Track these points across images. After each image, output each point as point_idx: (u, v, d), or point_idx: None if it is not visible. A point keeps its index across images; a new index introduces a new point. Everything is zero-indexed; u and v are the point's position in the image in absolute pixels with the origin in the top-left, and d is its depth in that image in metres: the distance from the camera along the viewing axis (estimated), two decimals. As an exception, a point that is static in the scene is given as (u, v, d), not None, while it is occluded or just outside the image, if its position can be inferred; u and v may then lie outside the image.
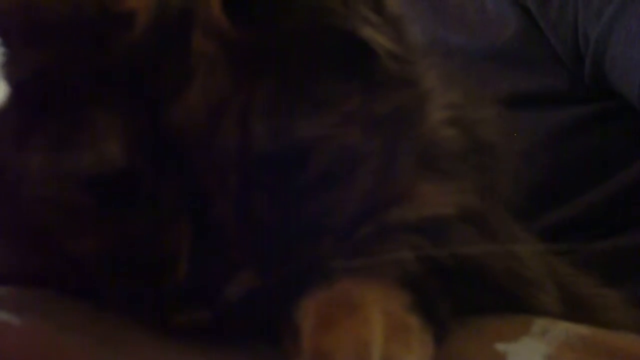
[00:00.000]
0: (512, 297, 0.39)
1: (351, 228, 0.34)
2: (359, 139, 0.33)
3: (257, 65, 0.31)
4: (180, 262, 0.31)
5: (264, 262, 0.31)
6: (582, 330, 0.39)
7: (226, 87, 0.31)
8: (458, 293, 0.36)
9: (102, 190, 0.32)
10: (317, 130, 0.32)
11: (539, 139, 0.62)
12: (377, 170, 0.34)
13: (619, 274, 0.51)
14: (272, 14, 0.32)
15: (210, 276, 0.31)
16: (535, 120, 0.62)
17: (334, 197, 0.33)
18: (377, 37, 0.34)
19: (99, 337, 0.31)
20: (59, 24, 0.32)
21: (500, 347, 0.36)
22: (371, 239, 0.35)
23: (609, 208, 0.60)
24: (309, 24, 0.33)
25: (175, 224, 0.31)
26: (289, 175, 0.32)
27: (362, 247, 0.34)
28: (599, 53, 0.57)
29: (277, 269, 0.32)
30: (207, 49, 0.31)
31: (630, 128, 0.60)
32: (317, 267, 0.33)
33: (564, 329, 0.39)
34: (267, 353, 0.32)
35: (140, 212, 0.32)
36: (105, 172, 0.31)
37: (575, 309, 0.42)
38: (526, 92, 0.62)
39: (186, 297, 0.31)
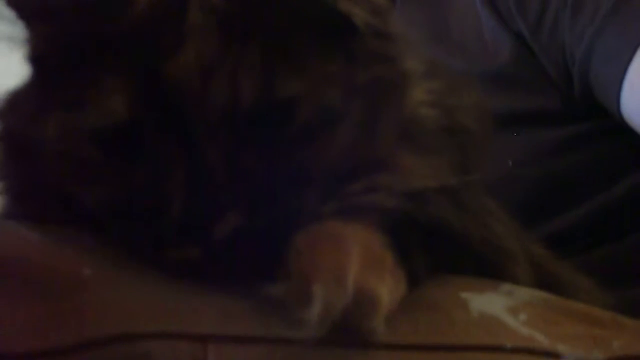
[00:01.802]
0: (486, 264, 0.42)
1: (335, 183, 0.38)
2: (339, 98, 0.37)
3: (245, 32, 0.36)
4: (175, 204, 0.35)
5: (250, 205, 0.35)
6: (545, 294, 0.42)
7: (217, 49, 0.36)
8: (434, 252, 0.40)
9: (108, 143, 0.37)
10: (299, 87, 0.36)
11: (533, 156, 0.66)
12: (358, 128, 0.38)
13: (610, 282, 0.53)
14: None
15: (201, 217, 0.35)
16: (530, 139, 0.66)
17: (314, 148, 0.37)
18: (358, 11, 0.38)
19: (102, 255, 0.36)
20: (71, 3, 0.38)
21: (464, 295, 0.39)
22: (356, 197, 0.38)
23: (598, 222, 0.63)
24: None
25: (171, 171, 0.36)
26: (274, 127, 0.36)
27: (346, 201, 0.38)
28: (584, 72, 0.61)
29: (263, 212, 0.36)
30: (199, 19, 0.36)
31: (621, 145, 0.63)
32: (302, 213, 0.36)
33: (528, 291, 0.42)
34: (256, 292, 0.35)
35: (141, 161, 0.37)
36: (110, 125, 0.36)
37: (546, 287, 0.44)
38: (521, 112, 0.67)
39: (179, 236, 0.35)
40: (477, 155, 0.45)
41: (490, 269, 0.43)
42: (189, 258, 0.35)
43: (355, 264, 0.34)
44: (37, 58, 0.41)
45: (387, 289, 0.34)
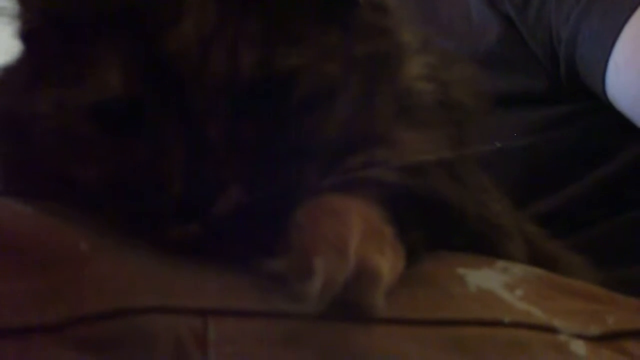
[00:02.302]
0: (483, 241, 0.43)
1: (334, 157, 0.38)
2: (337, 71, 0.37)
3: (243, 3, 0.36)
4: (175, 180, 0.35)
5: (251, 180, 0.35)
6: (540, 271, 0.43)
7: (216, 21, 0.35)
8: (431, 228, 0.40)
9: (105, 119, 0.36)
10: (298, 60, 0.36)
11: (520, 136, 0.67)
12: (356, 101, 0.38)
13: (598, 261, 0.54)
14: None
15: (201, 192, 0.34)
16: (517, 119, 0.67)
17: (314, 121, 0.37)
18: None
19: (99, 231, 0.35)
20: None
21: (460, 270, 0.39)
22: (354, 171, 0.38)
23: (588, 202, 0.64)
24: None
25: (169, 146, 0.35)
26: (274, 100, 0.36)
27: (345, 175, 0.37)
28: (570, 53, 0.62)
29: (264, 187, 0.35)
30: None
31: (606, 125, 0.64)
32: (303, 187, 0.36)
33: (524, 268, 0.42)
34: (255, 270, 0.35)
35: (139, 137, 0.36)
36: (107, 100, 0.35)
37: (539, 265, 0.45)
38: (508, 93, 0.67)
39: (179, 213, 0.35)
40: (472, 131, 0.45)
41: (485, 245, 0.43)
42: (189, 234, 0.34)
43: (357, 237, 0.34)
44: (29, 33, 0.39)
45: (388, 263, 0.34)
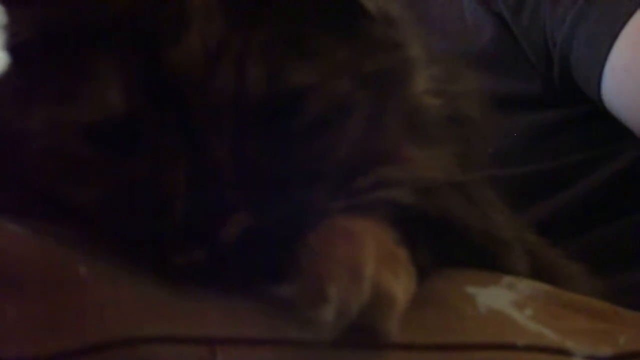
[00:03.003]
0: (486, 255, 0.42)
1: (344, 178, 0.36)
2: (348, 89, 0.36)
3: (252, 14, 0.34)
4: (177, 203, 0.33)
5: (258, 203, 0.33)
6: (545, 287, 0.42)
7: (223, 32, 0.33)
8: (437, 246, 0.38)
9: (103, 138, 0.34)
10: (308, 77, 0.34)
11: (513, 140, 0.66)
12: (366, 120, 0.37)
13: (596, 268, 0.53)
14: None
15: (206, 217, 0.32)
16: (509, 122, 0.66)
17: (325, 142, 0.35)
18: None
19: (98, 254, 0.33)
20: None
21: (470, 289, 0.38)
22: (365, 192, 0.36)
23: (583, 206, 0.64)
24: None
25: (172, 167, 0.33)
26: (283, 119, 0.34)
27: (356, 197, 0.36)
28: (564, 56, 0.61)
29: (272, 211, 0.33)
30: (204, 3, 0.33)
31: (601, 130, 0.64)
32: (312, 211, 0.35)
33: (529, 284, 0.42)
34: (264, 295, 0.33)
35: (139, 157, 0.34)
36: (106, 119, 0.33)
37: (540, 275, 0.44)
38: (501, 95, 0.66)
39: (183, 238, 0.33)
40: (480, 144, 0.44)
41: (487, 258, 0.42)
42: (193, 261, 0.33)
43: (371, 261, 0.32)
44: (18, 46, 0.37)
45: (402, 287, 0.33)
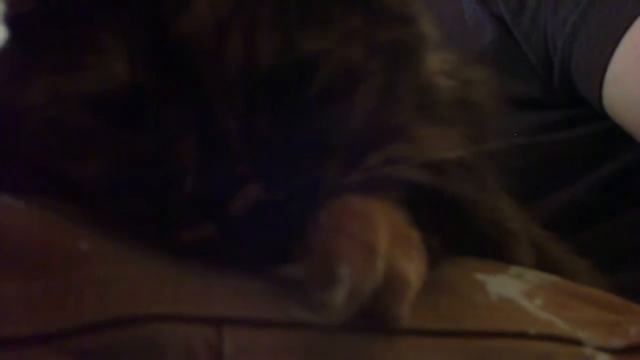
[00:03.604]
0: (492, 245, 0.41)
1: (356, 152, 0.35)
2: (360, 57, 0.35)
3: None
4: (187, 177, 0.32)
5: (269, 176, 0.32)
6: (553, 278, 0.41)
7: (232, 1, 0.32)
8: (447, 231, 0.37)
9: (108, 110, 0.33)
10: (320, 44, 0.33)
11: (511, 142, 0.66)
12: (379, 91, 0.36)
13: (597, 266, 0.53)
14: None
15: (216, 190, 0.31)
16: (508, 123, 0.67)
17: (337, 112, 0.34)
18: None
19: (101, 230, 0.31)
20: None
21: (480, 276, 0.38)
22: (378, 169, 0.35)
23: (579, 207, 0.63)
24: None
25: (180, 139, 0.32)
26: (294, 89, 0.33)
27: (368, 173, 0.35)
28: (565, 59, 0.61)
29: (283, 183, 0.32)
30: None
31: (598, 134, 0.64)
32: (324, 185, 0.34)
33: (537, 275, 0.41)
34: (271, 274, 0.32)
35: (146, 130, 0.33)
36: (111, 89, 0.32)
37: (545, 269, 0.43)
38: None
39: (193, 212, 0.32)
40: (489, 132, 0.44)
41: (494, 249, 0.41)
42: (203, 236, 0.31)
43: (384, 242, 0.31)
44: (17, 18, 0.36)
45: (415, 271, 0.32)
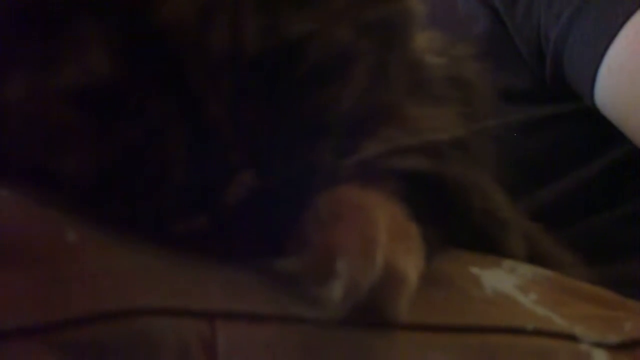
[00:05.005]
0: (484, 235, 0.40)
1: (349, 134, 0.34)
2: (349, 36, 0.34)
3: None
4: (177, 167, 0.31)
5: (262, 163, 0.31)
6: (547, 272, 0.41)
7: None
8: (443, 224, 0.37)
9: (90, 103, 0.32)
10: (306, 26, 0.32)
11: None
12: (369, 70, 0.35)
13: (590, 258, 0.53)
14: None
15: (208, 179, 0.30)
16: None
17: (328, 93, 0.33)
18: None
19: (87, 221, 0.30)
20: None
21: (475, 270, 0.37)
22: (376, 159, 0.35)
23: (570, 200, 0.63)
24: None
25: (168, 130, 0.31)
26: (282, 72, 0.32)
27: (366, 165, 0.34)
28: (558, 53, 0.60)
29: (277, 169, 0.32)
30: None
31: (588, 129, 0.63)
32: (319, 171, 0.33)
33: (530, 269, 0.41)
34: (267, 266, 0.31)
35: (131, 122, 0.31)
36: (92, 83, 0.31)
37: (535, 262, 0.43)
38: None
39: (184, 203, 0.31)
40: (483, 109, 0.43)
41: (486, 239, 0.41)
42: (195, 227, 0.31)
43: (383, 236, 0.30)
44: None
45: (414, 265, 0.31)
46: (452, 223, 0.38)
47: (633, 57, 0.56)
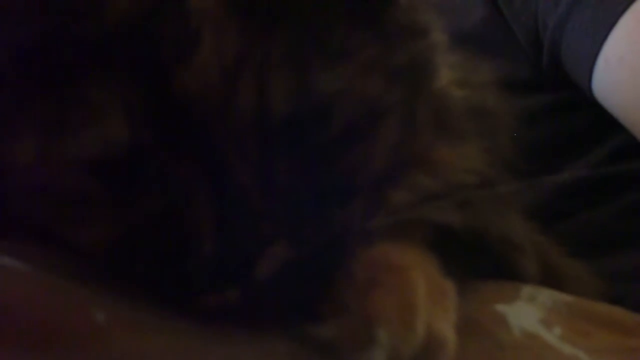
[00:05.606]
0: (500, 261, 0.40)
1: (377, 188, 0.33)
2: (380, 89, 0.32)
3: (268, 17, 0.30)
4: (205, 239, 0.29)
5: (294, 231, 0.30)
6: (565, 297, 0.41)
7: (238, 44, 0.29)
8: (465, 259, 0.36)
9: (107, 172, 0.30)
10: (337, 83, 0.31)
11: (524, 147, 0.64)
12: (401, 122, 0.33)
13: (589, 249, 0.53)
14: None
15: (238, 252, 0.29)
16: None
17: (360, 152, 0.32)
18: None
19: (115, 297, 0.29)
20: None
21: (500, 307, 0.37)
22: (405, 209, 0.34)
23: (564, 195, 0.63)
24: None
25: (193, 200, 0.29)
26: (312, 134, 0.31)
27: (396, 215, 0.33)
28: (556, 42, 0.59)
29: (309, 237, 0.30)
30: (206, 5, 0.29)
31: (588, 118, 0.63)
32: (352, 232, 0.32)
33: (549, 295, 0.40)
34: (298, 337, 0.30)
35: (152, 191, 0.30)
36: (110, 152, 0.29)
37: (547, 277, 0.43)
38: None
39: (214, 277, 0.29)
40: (506, 139, 0.42)
41: (504, 265, 0.40)
42: (227, 302, 0.29)
43: (423, 301, 0.30)
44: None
45: (451, 324, 0.31)
46: (475, 256, 0.38)
47: (632, 47, 0.55)
